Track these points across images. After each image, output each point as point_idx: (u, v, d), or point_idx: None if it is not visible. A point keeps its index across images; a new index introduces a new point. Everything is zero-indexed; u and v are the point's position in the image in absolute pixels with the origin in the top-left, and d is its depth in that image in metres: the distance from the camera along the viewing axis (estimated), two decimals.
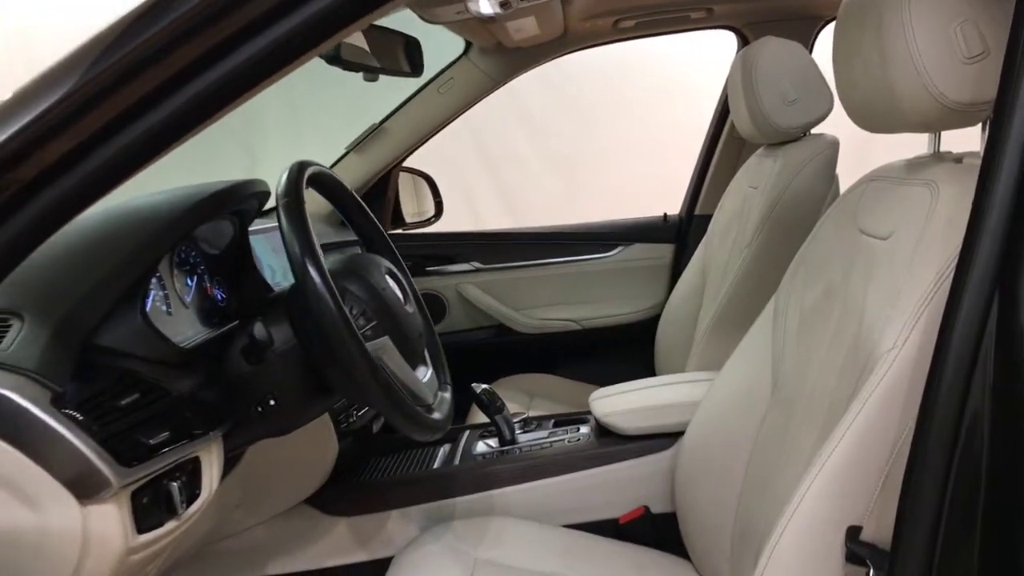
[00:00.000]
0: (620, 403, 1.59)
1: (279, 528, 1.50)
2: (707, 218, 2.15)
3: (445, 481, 1.53)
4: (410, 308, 1.21)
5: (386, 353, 1.12)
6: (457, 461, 1.60)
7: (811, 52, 2.13)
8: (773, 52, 1.75)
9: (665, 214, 2.54)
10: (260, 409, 1.11)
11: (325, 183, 1.26)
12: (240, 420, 1.12)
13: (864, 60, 0.97)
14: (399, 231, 2.50)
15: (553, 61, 2.27)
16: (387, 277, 1.20)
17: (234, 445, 1.14)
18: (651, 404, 1.56)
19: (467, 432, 1.73)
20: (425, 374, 1.25)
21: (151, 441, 0.93)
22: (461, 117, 2.29)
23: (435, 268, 2.48)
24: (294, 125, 3.57)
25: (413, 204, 2.53)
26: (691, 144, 2.51)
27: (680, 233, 2.49)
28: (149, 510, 0.93)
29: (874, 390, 0.87)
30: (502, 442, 1.62)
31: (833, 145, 1.74)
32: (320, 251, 1.04)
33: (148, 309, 1.03)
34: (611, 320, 2.45)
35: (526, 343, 2.47)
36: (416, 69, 1.74)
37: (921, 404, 0.79)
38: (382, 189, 2.39)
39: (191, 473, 1.02)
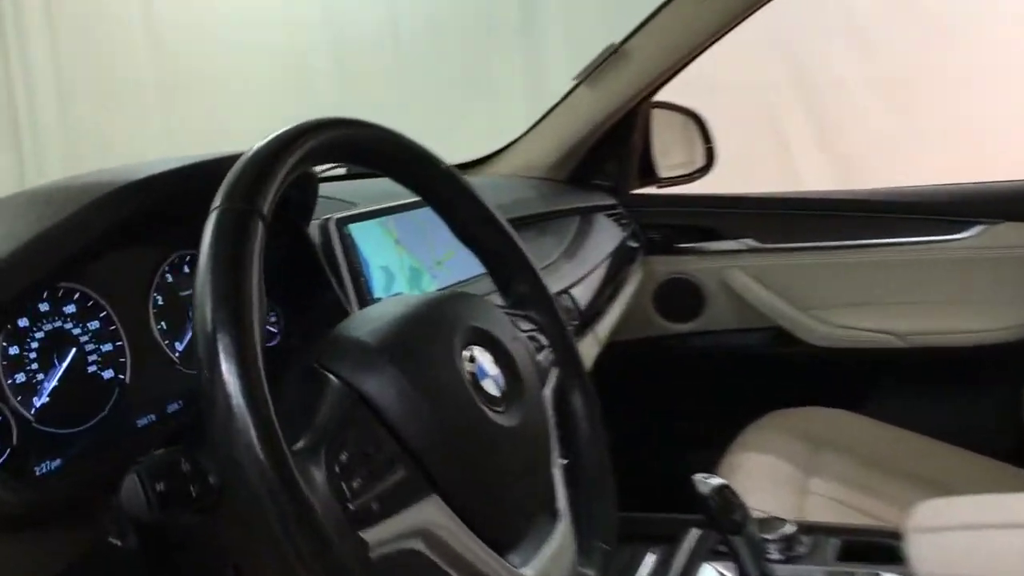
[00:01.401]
0: (963, 545, 0.89)
1: None
2: None
3: None
4: (510, 419, 0.61)
5: (434, 527, 0.55)
6: None
7: None
8: None
9: None
10: None
11: (384, 155, 0.68)
12: None
13: None
14: (649, 190, 1.95)
15: None
16: (469, 352, 0.61)
17: None
18: None
19: (694, 537, 1.12)
20: (546, 537, 0.65)
21: None
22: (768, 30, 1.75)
23: (690, 245, 1.93)
24: None
25: (673, 152, 1.97)
26: None
27: None
28: None
29: None
30: None
31: None
32: (256, 322, 0.49)
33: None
34: (955, 339, 1.76)
35: (816, 360, 1.87)
36: None
37: None
38: (626, 133, 1.85)
39: None
